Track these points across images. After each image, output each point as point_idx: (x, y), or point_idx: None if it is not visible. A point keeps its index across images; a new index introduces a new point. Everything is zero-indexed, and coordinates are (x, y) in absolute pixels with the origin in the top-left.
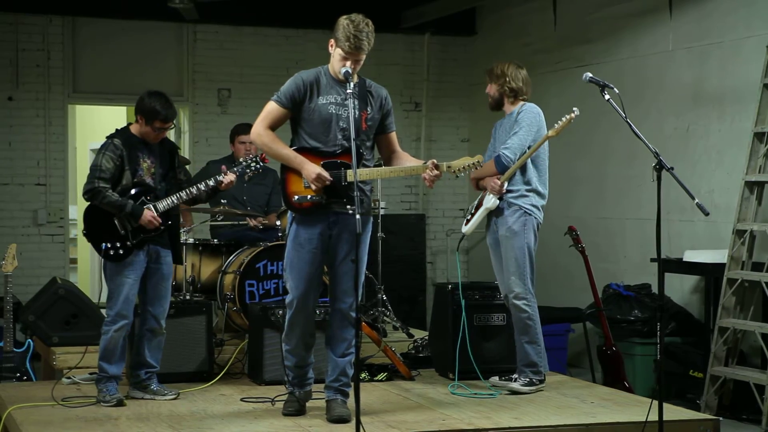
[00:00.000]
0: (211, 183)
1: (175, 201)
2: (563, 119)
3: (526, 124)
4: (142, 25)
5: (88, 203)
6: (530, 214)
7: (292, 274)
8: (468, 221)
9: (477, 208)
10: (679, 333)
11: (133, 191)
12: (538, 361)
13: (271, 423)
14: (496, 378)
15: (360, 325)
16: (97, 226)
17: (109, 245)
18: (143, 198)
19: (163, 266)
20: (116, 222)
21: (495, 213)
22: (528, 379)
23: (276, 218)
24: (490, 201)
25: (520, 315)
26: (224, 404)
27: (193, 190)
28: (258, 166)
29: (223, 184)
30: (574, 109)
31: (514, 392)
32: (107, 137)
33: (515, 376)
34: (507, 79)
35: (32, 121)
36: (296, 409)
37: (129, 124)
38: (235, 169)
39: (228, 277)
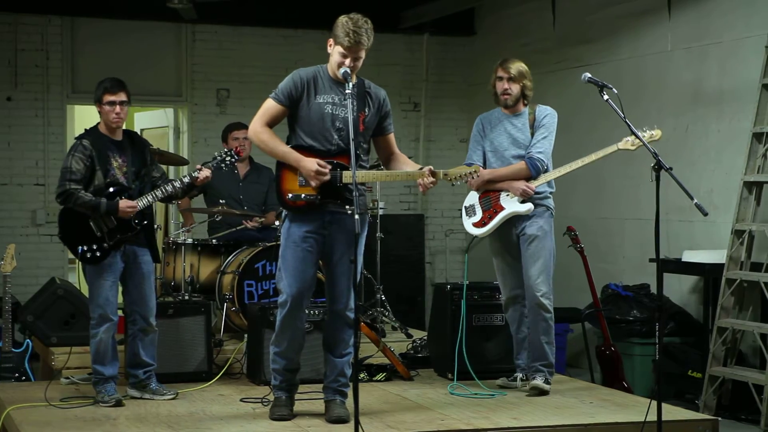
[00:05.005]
0: (186, 179)
1: (150, 200)
2: (642, 136)
3: (553, 128)
4: (140, 25)
5: (62, 207)
6: (553, 216)
7: (286, 272)
8: (483, 223)
9: (491, 210)
10: (677, 333)
11: (108, 191)
12: (553, 362)
13: (270, 423)
14: (505, 378)
15: (359, 326)
16: (72, 230)
17: (85, 248)
18: (118, 198)
19: (143, 265)
20: (92, 224)
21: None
22: (546, 378)
23: (275, 217)
24: (524, 206)
25: (545, 315)
26: (223, 404)
27: (168, 187)
28: (232, 159)
29: (198, 180)
30: (649, 132)
31: (539, 390)
32: (75, 138)
33: (519, 376)
34: (529, 81)
35: (31, 122)
36: (286, 414)
37: (97, 123)
38: (210, 163)
39: (227, 277)
